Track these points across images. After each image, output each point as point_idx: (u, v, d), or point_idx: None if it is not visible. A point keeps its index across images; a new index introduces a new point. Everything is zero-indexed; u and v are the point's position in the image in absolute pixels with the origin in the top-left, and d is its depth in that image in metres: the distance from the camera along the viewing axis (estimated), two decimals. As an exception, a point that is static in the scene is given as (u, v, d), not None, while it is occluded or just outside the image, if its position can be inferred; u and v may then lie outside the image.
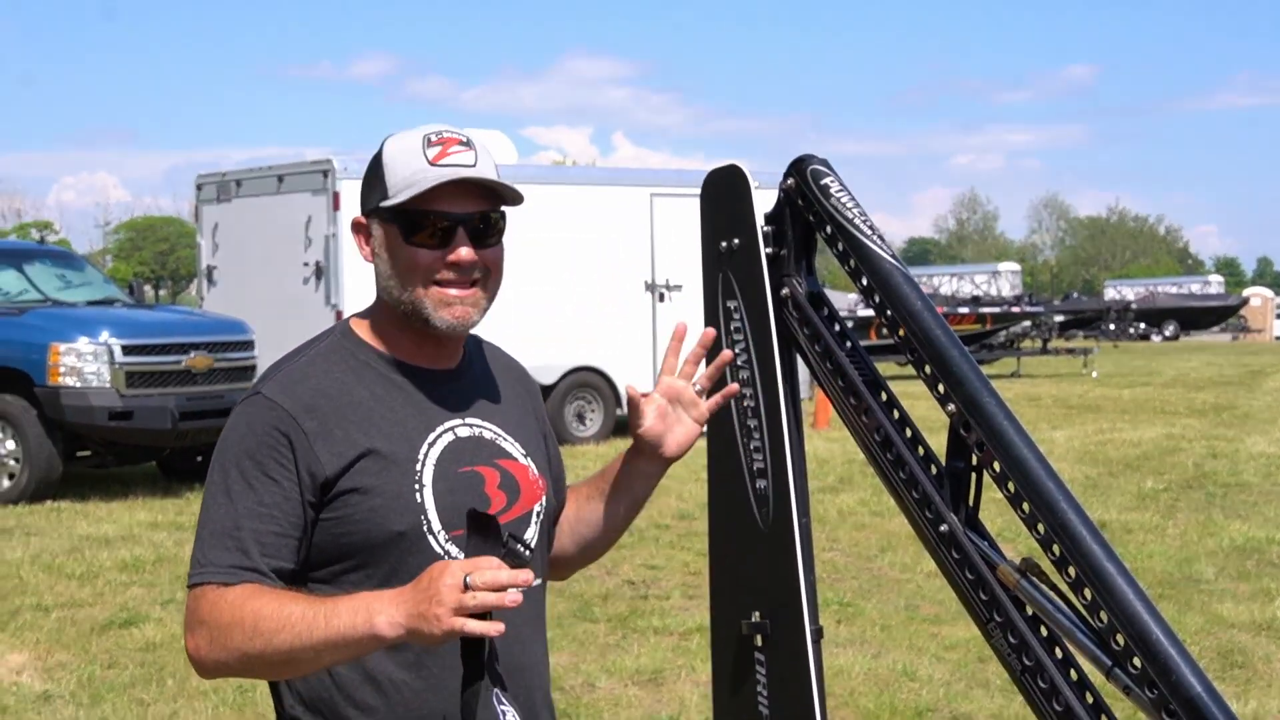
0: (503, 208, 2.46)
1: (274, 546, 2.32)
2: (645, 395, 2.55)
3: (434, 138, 2.41)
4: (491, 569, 2.08)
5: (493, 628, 2.10)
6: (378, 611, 2.15)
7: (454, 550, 2.37)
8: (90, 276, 16.37)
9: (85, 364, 13.71)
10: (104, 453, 14.59)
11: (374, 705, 2.38)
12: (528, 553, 2.19)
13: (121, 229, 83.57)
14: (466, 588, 2.07)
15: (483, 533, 2.18)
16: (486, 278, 2.45)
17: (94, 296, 15.59)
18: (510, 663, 2.45)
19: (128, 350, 13.91)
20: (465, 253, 2.39)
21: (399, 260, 2.41)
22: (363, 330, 2.51)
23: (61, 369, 13.67)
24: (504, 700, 2.37)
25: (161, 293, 74.24)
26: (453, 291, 2.41)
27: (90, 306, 15.12)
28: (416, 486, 2.37)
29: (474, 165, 2.39)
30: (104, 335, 13.87)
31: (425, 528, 2.37)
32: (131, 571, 10.36)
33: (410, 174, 2.38)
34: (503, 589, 2.07)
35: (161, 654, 8.10)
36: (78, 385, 13.67)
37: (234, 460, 2.35)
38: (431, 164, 2.38)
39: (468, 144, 2.41)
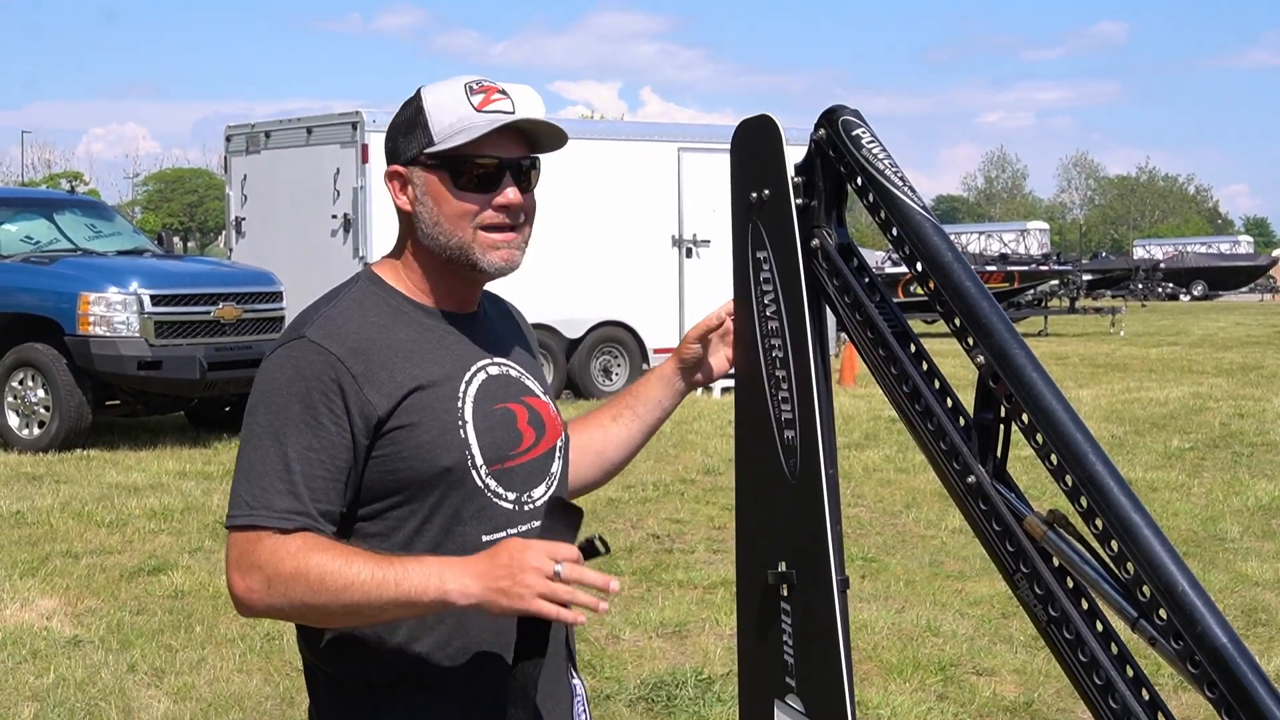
0: (537, 156, 2.52)
1: (324, 491, 2.35)
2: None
3: (475, 86, 2.46)
4: (575, 560, 2.20)
5: (577, 617, 2.20)
6: (451, 579, 2.23)
7: (494, 484, 2.44)
8: (120, 227, 16.42)
9: (115, 313, 13.77)
10: (133, 402, 14.67)
11: (406, 651, 2.42)
12: (604, 552, 2.29)
13: (150, 180, 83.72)
14: (556, 575, 2.18)
15: (563, 521, 2.29)
16: (528, 222, 2.52)
17: (123, 247, 15.65)
18: None
19: (157, 300, 13.96)
20: (513, 195, 2.45)
21: (448, 205, 2.46)
22: (389, 276, 2.54)
23: (91, 318, 13.73)
24: (575, 674, 2.46)
25: (190, 244, 74.40)
26: (498, 235, 2.46)
27: (120, 256, 15.19)
28: (460, 422, 2.43)
29: (514, 112, 2.46)
30: (133, 285, 13.92)
31: (470, 463, 2.42)
32: (160, 520, 10.44)
33: (457, 120, 2.43)
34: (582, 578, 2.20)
35: (189, 601, 8.17)
36: (107, 334, 13.74)
37: (282, 403, 2.37)
38: (478, 110, 2.43)
39: (504, 92, 2.47)
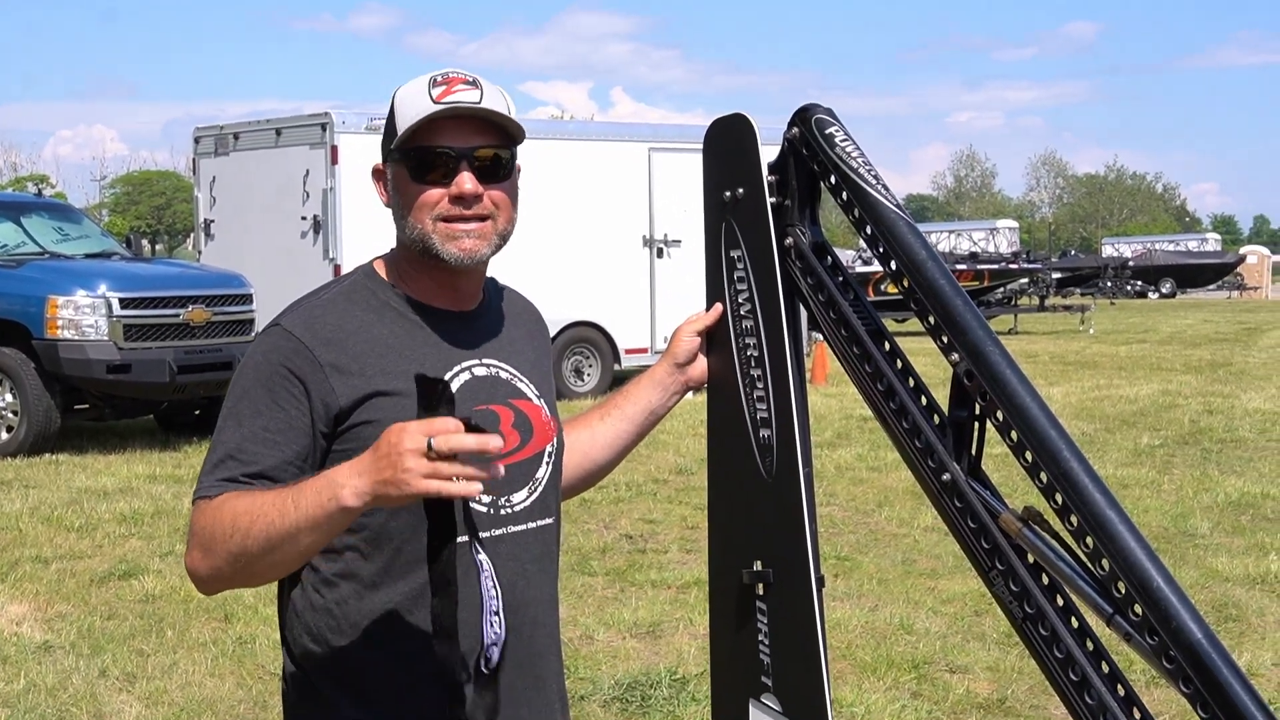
0: (515, 149, 2.50)
1: (273, 469, 2.34)
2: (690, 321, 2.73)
3: (439, 78, 2.46)
4: (453, 431, 2.07)
5: (472, 489, 2.09)
6: (340, 484, 2.17)
7: None
8: (88, 229, 16.34)
9: (83, 317, 13.70)
10: (102, 406, 14.59)
11: (382, 636, 2.42)
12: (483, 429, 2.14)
13: (118, 183, 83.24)
14: (430, 451, 2.07)
15: (435, 397, 2.15)
16: (496, 215, 2.48)
17: (91, 249, 15.56)
18: (514, 598, 2.48)
19: (125, 303, 13.89)
20: (468, 185, 2.43)
21: (408, 198, 2.46)
22: (384, 271, 2.55)
23: (59, 322, 13.66)
24: (480, 549, 2.36)
25: (158, 247, 74.01)
26: (459, 225, 2.44)
27: (88, 259, 15.10)
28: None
29: (478, 102, 2.43)
30: (102, 288, 13.85)
31: None
32: (130, 524, 10.39)
33: (414, 113, 2.42)
34: (475, 452, 2.07)
35: (161, 605, 8.13)
36: (75, 338, 13.66)
37: (246, 388, 2.40)
38: (435, 101, 2.42)
39: (473, 83, 2.45)
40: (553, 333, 18.29)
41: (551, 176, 17.72)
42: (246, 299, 14.94)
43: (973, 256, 38.92)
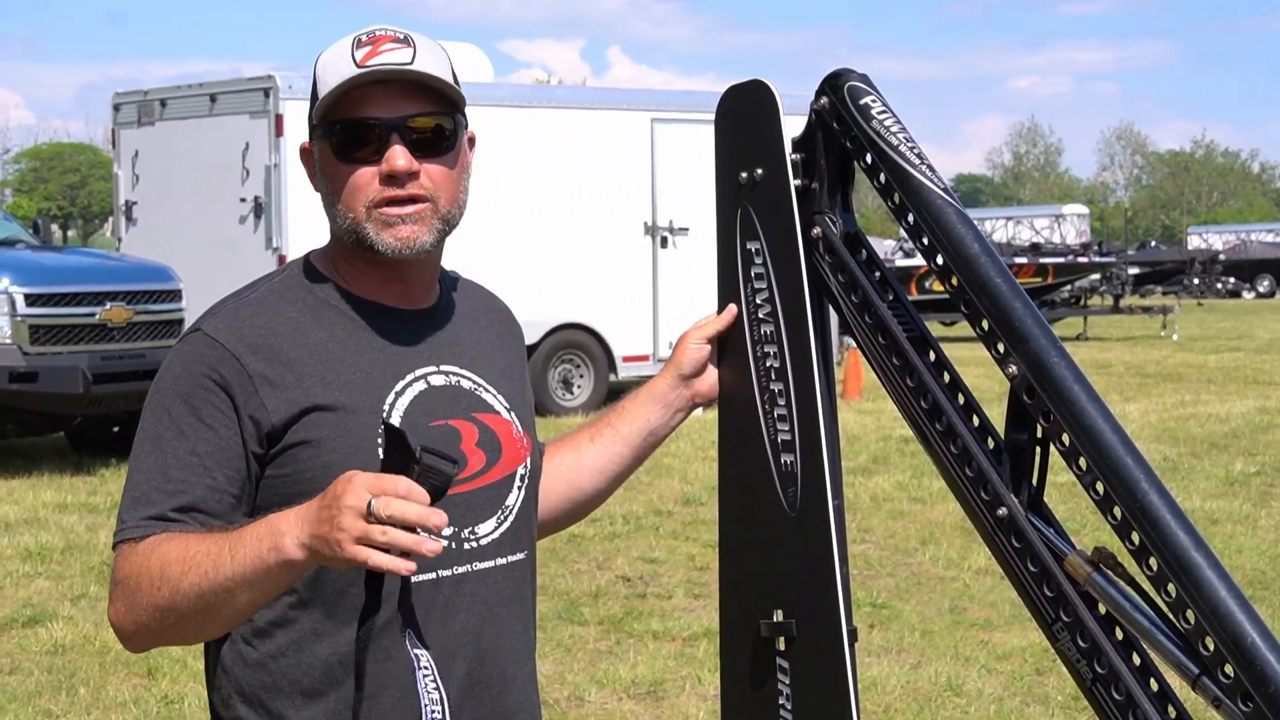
0: (459, 116, 2.49)
1: (205, 500, 2.35)
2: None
3: (364, 38, 2.46)
4: (399, 494, 2.09)
5: (400, 565, 2.11)
6: (283, 532, 2.19)
7: None
8: (-13, 212, 16.35)
9: (-19, 316, 13.70)
10: (3, 421, 14.58)
11: (324, 691, 2.42)
12: (452, 469, 2.18)
13: (24, 157, 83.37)
14: (369, 514, 2.08)
15: (400, 448, 2.16)
16: (437, 195, 2.47)
17: (-9, 236, 15.57)
18: (481, 648, 2.49)
19: (31, 300, 13.89)
20: (400, 161, 2.41)
21: (335, 181, 2.46)
22: (323, 265, 2.55)
23: (-47, 322, 13.66)
24: (419, 644, 2.37)
25: (71, 233, 74.12)
26: (394, 210, 2.43)
27: (-13, 248, 15.11)
28: (379, 442, 2.39)
29: (409, 63, 2.42)
30: (4, 282, 13.86)
31: None
32: (36, 561, 10.39)
33: (338, 81, 2.42)
34: (411, 527, 2.09)
35: (72, 657, 8.13)
36: (-28, 341, 13.66)
37: (166, 404, 2.40)
38: (359, 65, 2.41)
39: (404, 40, 2.45)
40: (538, 336, 18.30)
41: (536, 152, 17.74)
42: (175, 295, 14.94)
43: (1035, 248, 38.99)
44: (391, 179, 2.42)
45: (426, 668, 2.40)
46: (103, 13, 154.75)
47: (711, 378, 2.73)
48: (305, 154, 2.55)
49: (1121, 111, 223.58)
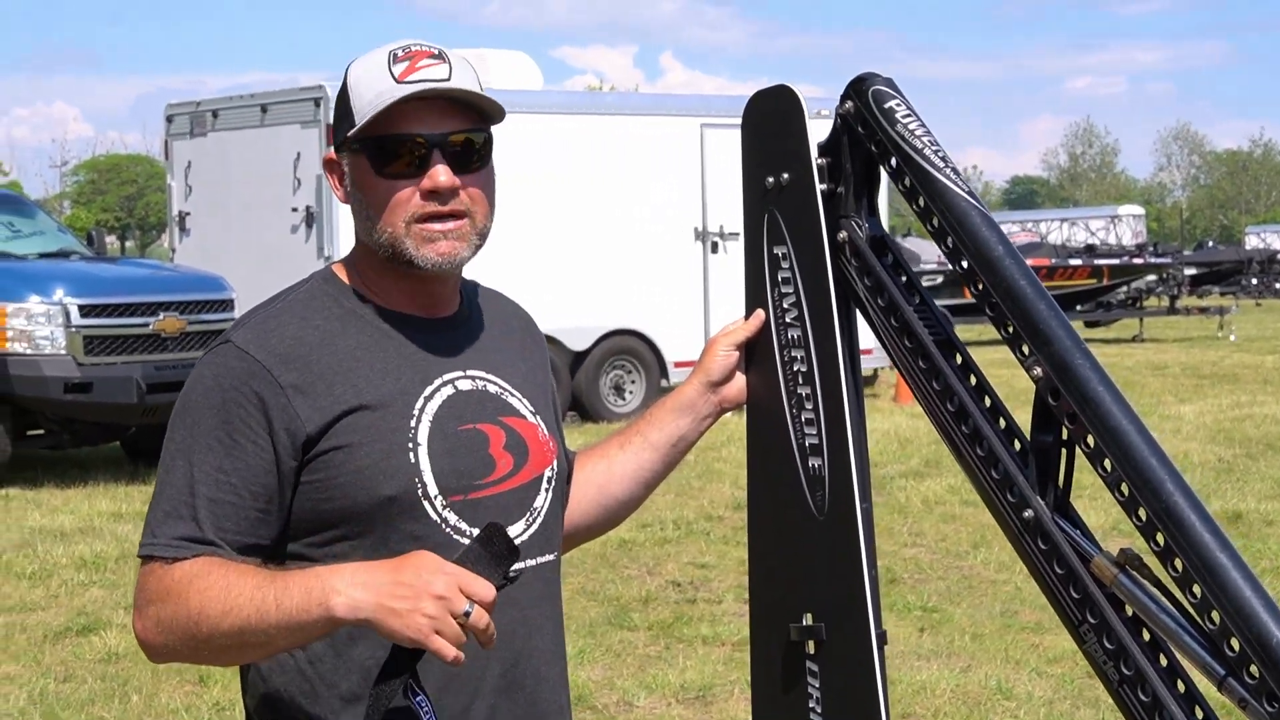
0: (489, 128, 2.53)
1: (233, 518, 2.39)
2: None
3: (400, 53, 2.48)
4: (489, 602, 2.20)
5: (460, 656, 2.20)
6: (335, 591, 2.23)
7: (453, 519, 2.46)
8: (42, 225, 16.49)
9: (37, 327, 13.81)
10: (59, 431, 14.69)
11: (361, 695, 2.43)
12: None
13: (82, 169, 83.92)
14: (465, 616, 2.19)
15: (494, 552, 2.26)
16: (474, 210, 2.50)
17: (47, 248, 15.69)
18: (514, 649, 2.51)
19: (86, 311, 14.00)
20: (444, 177, 2.45)
21: (373, 195, 2.49)
22: (346, 276, 2.58)
23: (9, 333, 13.77)
24: (419, 690, 2.39)
25: (128, 244, 74.64)
26: (435, 225, 2.47)
27: (42, 260, 15.23)
28: (410, 445, 2.44)
29: (447, 79, 2.46)
30: (58, 293, 13.96)
31: (420, 491, 2.44)
32: (91, 570, 10.46)
33: (374, 96, 2.45)
34: (486, 628, 2.20)
35: (125, 665, 8.18)
36: (28, 352, 13.77)
37: (196, 417, 2.43)
38: (398, 81, 2.45)
39: (439, 56, 2.48)
40: (589, 342, 18.33)
41: (586, 158, 17.74)
42: (227, 305, 15.02)
43: (1090, 249, 38.75)
44: (433, 195, 2.46)
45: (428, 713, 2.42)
46: (105, 14, 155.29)
47: (739, 384, 2.74)
48: (332, 165, 2.57)
49: (1178, 111, 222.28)
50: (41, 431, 14.74)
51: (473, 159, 2.50)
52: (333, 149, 2.57)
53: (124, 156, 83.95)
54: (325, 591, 2.23)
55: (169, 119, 19.13)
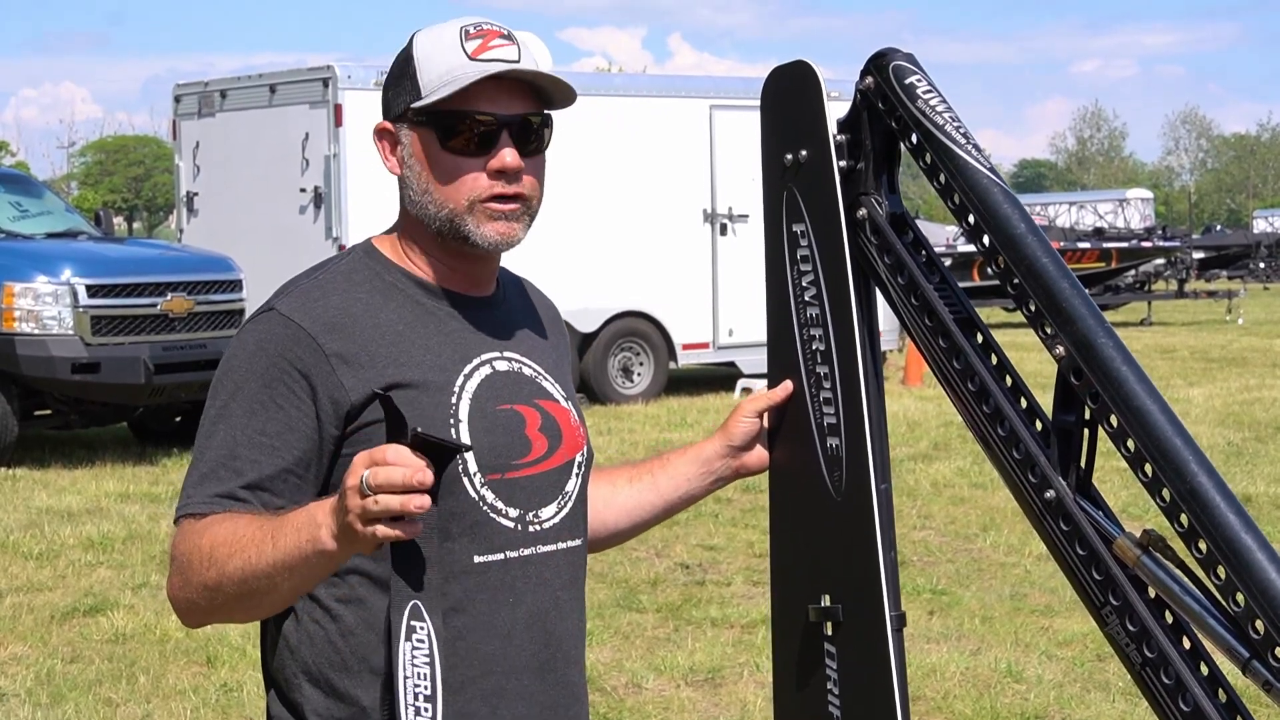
0: (548, 112, 2.53)
1: (270, 480, 2.38)
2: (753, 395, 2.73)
3: (472, 30, 2.48)
4: (387, 461, 2.09)
5: (397, 532, 2.11)
6: (319, 523, 2.21)
7: (490, 497, 2.46)
8: (50, 205, 16.47)
9: (44, 307, 13.80)
10: (67, 411, 14.69)
11: None
12: (459, 449, 2.22)
13: (89, 150, 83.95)
14: (364, 487, 2.10)
15: (390, 418, 2.18)
16: (533, 193, 2.52)
17: (54, 228, 15.67)
18: (547, 630, 2.53)
19: (94, 291, 13.99)
20: (510, 157, 2.46)
21: (437, 169, 2.48)
22: (388, 249, 2.58)
23: (16, 313, 13.76)
24: (424, 615, 2.29)
25: (136, 225, 74.64)
26: (497, 205, 2.47)
27: (49, 240, 15.22)
28: (451, 422, 2.45)
29: (518, 60, 2.47)
30: (66, 273, 13.95)
31: (460, 468, 2.44)
32: (98, 550, 10.46)
33: (447, 70, 2.45)
34: (400, 490, 2.08)
35: (133, 646, 8.18)
36: (35, 332, 13.76)
37: (239, 382, 2.43)
38: (472, 58, 2.45)
39: (509, 37, 2.49)
40: (598, 324, 18.32)
41: (595, 140, 17.70)
42: (235, 285, 15.01)
43: (1098, 233, 38.70)
44: (499, 174, 2.46)
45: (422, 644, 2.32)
46: (105, 13, 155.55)
47: (760, 454, 2.74)
48: (387, 135, 2.55)
49: (1187, 94, 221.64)
50: (49, 412, 14.73)
51: (529, 141, 2.50)
52: (386, 118, 2.54)
53: (131, 138, 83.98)
54: (312, 525, 2.21)
55: (177, 99, 19.12)
